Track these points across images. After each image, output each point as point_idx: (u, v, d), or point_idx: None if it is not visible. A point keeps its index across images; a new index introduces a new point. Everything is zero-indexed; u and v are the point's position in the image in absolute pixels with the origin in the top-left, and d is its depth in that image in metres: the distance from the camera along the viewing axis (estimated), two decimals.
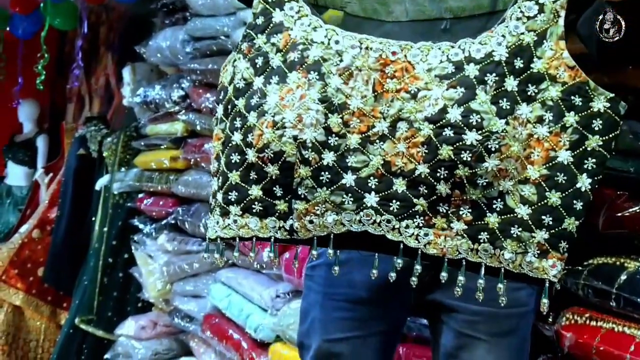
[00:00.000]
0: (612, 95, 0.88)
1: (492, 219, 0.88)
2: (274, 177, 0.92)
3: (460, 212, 0.88)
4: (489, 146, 0.84)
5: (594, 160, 0.87)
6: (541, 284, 0.89)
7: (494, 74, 0.86)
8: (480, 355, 1.07)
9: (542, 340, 1.25)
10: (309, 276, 1.19)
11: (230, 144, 0.95)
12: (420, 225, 0.89)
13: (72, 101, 3.87)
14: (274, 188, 0.93)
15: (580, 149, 0.87)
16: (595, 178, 0.88)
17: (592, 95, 0.87)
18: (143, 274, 2.64)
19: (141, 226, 2.71)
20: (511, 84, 0.86)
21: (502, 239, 0.88)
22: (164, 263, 2.46)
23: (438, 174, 0.86)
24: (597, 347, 1.09)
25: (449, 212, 0.88)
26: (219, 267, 2.26)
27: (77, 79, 3.24)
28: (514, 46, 0.86)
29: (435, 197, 0.87)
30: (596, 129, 0.87)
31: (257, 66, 0.95)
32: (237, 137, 0.93)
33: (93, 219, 3.09)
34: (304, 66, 0.91)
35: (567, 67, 0.87)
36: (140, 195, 2.80)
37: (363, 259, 0.98)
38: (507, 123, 0.85)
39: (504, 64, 0.86)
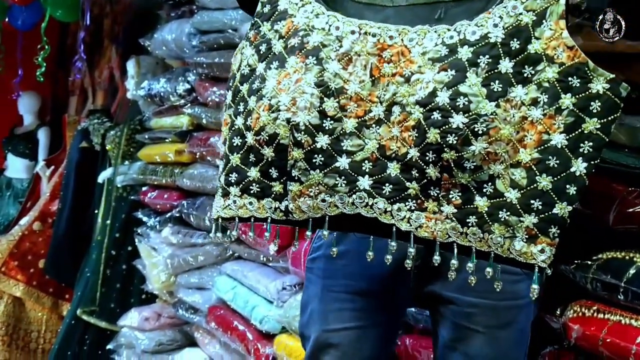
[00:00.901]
0: (612, 76, 0.85)
1: (482, 203, 0.87)
2: (269, 159, 0.94)
3: (450, 196, 0.88)
4: (476, 129, 0.83)
5: (590, 143, 0.85)
6: (531, 269, 0.88)
7: (487, 56, 0.85)
8: (478, 347, 1.07)
9: (548, 332, 1.27)
10: (309, 268, 1.21)
11: (233, 128, 0.98)
12: (412, 208, 0.89)
13: (74, 94, 3.85)
14: (270, 170, 0.95)
15: (576, 132, 0.85)
16: (592, 162, 0.85)
17: (591, 76, 0.85)
18: (146, 266, 2.65)
19: (145, 219, 2.71)
20: (506, 65, 0.85)
21: (490, 223, 0.87)
22: (168, 256, 2.46)
23: (427, 158, 0.86)
24: (604, 339, 1.10)
25: (439, 195, 0.88)
26: (224, 259, 2.28)
27: (79, 72, 3.22)
28: (511, 27, 0.85)
29: (425, 180, 0.88)
30: (594, 111, 0.85)
31: (261, 52, 0.97)
32: (239, 121, 0.96)
33: (96, 211, 3.09)
34: (303, 51, 0.93)
35: (566, 47, 0.85)
36: (144, 189, 2.79)
37: (362, 250, 0.99)
38: (497, 106, 0.84)
39: (499, 46, 0.85)
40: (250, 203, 0.97)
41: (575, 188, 0.85)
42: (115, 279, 2.88)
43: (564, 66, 0.85)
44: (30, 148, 3.87)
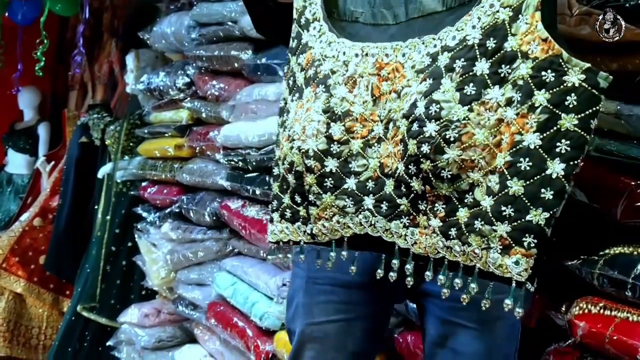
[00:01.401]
0: (587, 65, 0.79)
1: (462, 214, 0.84)
2: (293, 186, 1.00)
3: (435, 209, 0.86)
4: (447, 136, 0.81)
5: (568, 142, 0.79)
6: (510, 283, 0.82)
7: (462, 60, 0.83)
8: (467, 343, 1.05)
9: (553, 329, 1.25)
10: (294, 262, 1.20)
11: (275, 158, 1.06)
12: (407, 225, 0.89)
13: (74, 88, 3.84)
14: (295, 196, 1.00)
15: (551, 131, 0.80)
16: (572, 163, 0.79)
17: (565, 68, 0.79)
18: (146, 262, 2.63)
19: (145, 214, 2.70)
20: (482, 67, 0.82)
21: (467, 234, 0.84)
22: (168, 251, 2.45)
23: (410, 171, 0.85)
24: (611, 336, 1.08)
25: (427, 209, 0.87)
26: (224, 255, 2.26)
27: (79, 66, 3.20)
28: (488, 26, 0.83)
29: (413, 194, 0.87)
30: (570, 106, 0.79)
31: (290, 86, 1.04)
32: (277, 152, 1.04)
33: (96, 207, 3.08)
34: (315, 81, 0.96)
35: (541, 40, 0.81)
36: (143, 184, 2.78)
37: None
38: (470, 110, 0.81)
39: (476, 47, 0.83)
40: (287, 227, 1.03)
41: (552, 192, 0.79)
42: (115, 275, 2.87)
43: (537, 60, 0.81)
44: (31, 143, 3.87)
